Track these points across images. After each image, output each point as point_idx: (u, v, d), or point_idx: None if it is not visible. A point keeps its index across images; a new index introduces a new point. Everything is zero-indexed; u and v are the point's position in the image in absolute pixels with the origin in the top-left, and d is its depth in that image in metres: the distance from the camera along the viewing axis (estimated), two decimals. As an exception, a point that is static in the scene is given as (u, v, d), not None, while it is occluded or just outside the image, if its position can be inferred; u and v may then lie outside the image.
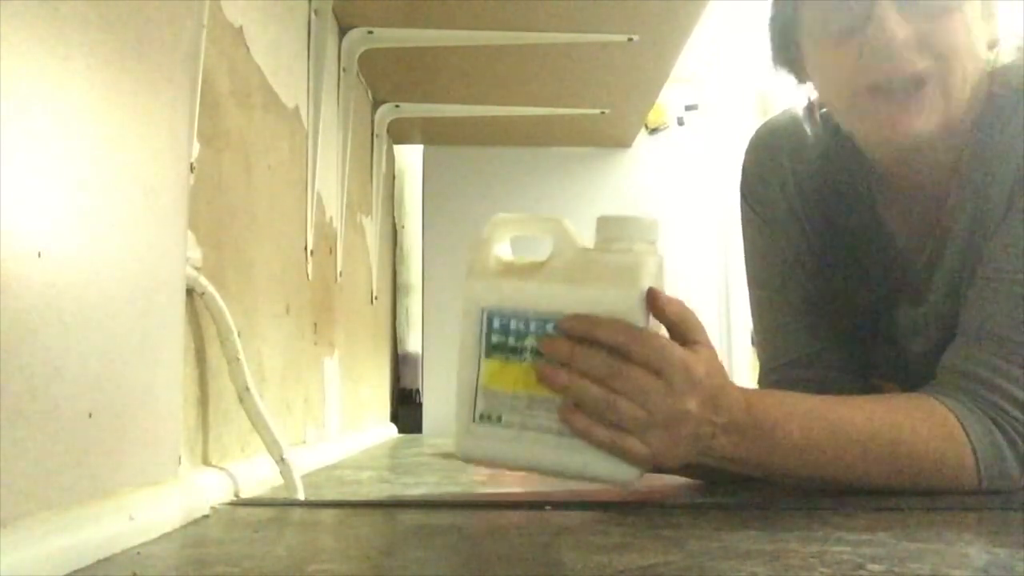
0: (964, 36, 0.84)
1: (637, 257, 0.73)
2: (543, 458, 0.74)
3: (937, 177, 0.90)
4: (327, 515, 0.75)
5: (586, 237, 0.77)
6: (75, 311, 0.55)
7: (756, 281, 1.05)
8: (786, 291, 1.00)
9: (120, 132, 0.62)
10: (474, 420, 0.75)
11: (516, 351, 0.74)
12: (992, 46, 0.88)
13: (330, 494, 0.90)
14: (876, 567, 0.49)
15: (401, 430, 2.19)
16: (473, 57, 1.77)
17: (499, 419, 0.75)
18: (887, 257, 0.97)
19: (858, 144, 0.93)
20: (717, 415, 0.72)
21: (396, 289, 2.49)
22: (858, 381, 0.98)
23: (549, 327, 0.73)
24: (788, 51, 0.93)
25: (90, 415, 0.56)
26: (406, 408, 2.42)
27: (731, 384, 0.75)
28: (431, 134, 2.41)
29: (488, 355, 0.75)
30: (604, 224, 0.76)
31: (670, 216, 2.53)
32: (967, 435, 0.80)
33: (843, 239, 0.92)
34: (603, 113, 2.15)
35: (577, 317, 0.71)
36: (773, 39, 0.95)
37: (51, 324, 0.52)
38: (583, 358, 0.70)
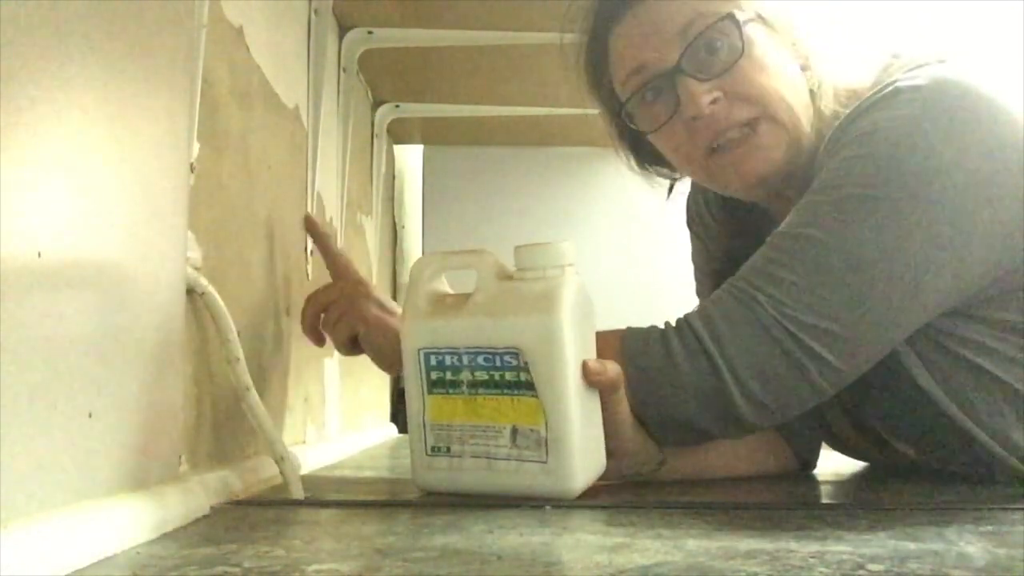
0: (764, 73, 0.87)
1: (550, 283, 0.78)
2: (490, 481, 0.80)
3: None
4: (327, 515, 0.75)
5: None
6: (75, 311, 0.55)
7: (698, 294, 1.15)
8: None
9: (120, 132, 0.62)
10: (427, 453, 0.83)
11: (454, 385, 0.81)
12: (805, 67, 0.90)
13: (330, 494, 0.90)
14: (876, 567, 0.49)
15: (401, 430, 2.19)
16: (473, 57, 1.77)
17: (448, 450, 0.82)
18: None
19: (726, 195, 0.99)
20: None
21: (396, 289, 2.49)
22: None
23: (480, 359, 0.78)
24: (647, 153, 1.02)
25: (90, 415, 0.56)
26: (406, 408, 2.42)
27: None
28: (431, 134, 2.40)
29: (430, 391, 0.82)
30: (519, 253, 0.81)
31: (667, 218, 2.53)
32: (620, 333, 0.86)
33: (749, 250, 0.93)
34: (603, 113, 2.15)
35: None
36: (630, 148, 1.03)
37: (51, 324, 0.52)
38: None
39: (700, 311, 0.85)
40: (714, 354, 0.81)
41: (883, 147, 0.81)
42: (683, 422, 0.84)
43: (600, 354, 0.80)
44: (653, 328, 0.86)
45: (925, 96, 0.82)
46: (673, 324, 0.85)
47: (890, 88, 0.84)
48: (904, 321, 0.83)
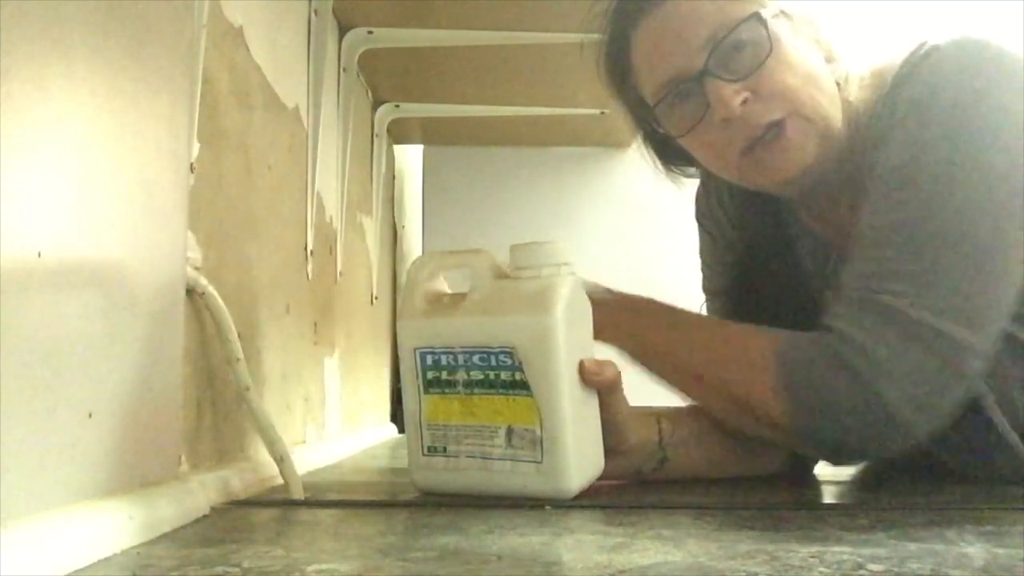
0: (791, 71, 0.87)
1: (545, 282, 0.78)
2: (487, 482, 0.79)
3: (849, 172, 0.91)
4: (327, 515, 0.75)
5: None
6: (75, 311, 0.55)
7: (706, 289, 1.14)
8: (728, 296, 1.05)
9: (120, 132, 0.62)
10: (424, 453, 0.82)
11: (451, 384, 0.80)
12: (830, 58, 0.90)
13: (330, 494, 0.90)
14: (876, 567, 0.49)
15: (401, 430, 2.19)
16: (473, 57, 1.77)
17: (444, 450, 0.81)
18: (815, 259, 0.99)
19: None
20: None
21: (396, 289, 2.49)
22: None
23: (475, 358, 0.78)
24: (673, 154, 0.99)
25: (90, 415, 0.56)
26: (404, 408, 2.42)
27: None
28: (431, 134, 2.40)
29: (426, 391, 0.81)
30: (514, 252, 0.81)
31: (667, 217, 2.54)
32: (772, 359, 0.83)
33: (773, 247, 0.93)
34: (602, 113, 2.14)
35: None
36: (657, 152, 1.01)
37: (51, 324, 0.52)
38: None
39: (847, 335, 0.81)
40: (879, 388, 0.79)
41: (945, 110, 0.81)
42: (841, 449, 0.84)
43: (750, 360, 0.81)
44: (814, 352, 0.83)
45: (964, 48, 0.83)
46: (829, 346, 0.82)
47: (923, 50, 0.84)
48: (1014, 281, 0.82)
